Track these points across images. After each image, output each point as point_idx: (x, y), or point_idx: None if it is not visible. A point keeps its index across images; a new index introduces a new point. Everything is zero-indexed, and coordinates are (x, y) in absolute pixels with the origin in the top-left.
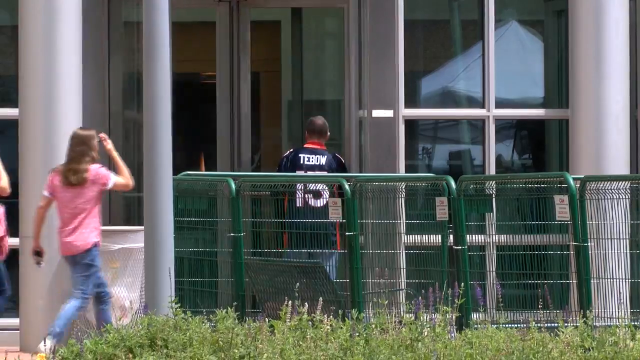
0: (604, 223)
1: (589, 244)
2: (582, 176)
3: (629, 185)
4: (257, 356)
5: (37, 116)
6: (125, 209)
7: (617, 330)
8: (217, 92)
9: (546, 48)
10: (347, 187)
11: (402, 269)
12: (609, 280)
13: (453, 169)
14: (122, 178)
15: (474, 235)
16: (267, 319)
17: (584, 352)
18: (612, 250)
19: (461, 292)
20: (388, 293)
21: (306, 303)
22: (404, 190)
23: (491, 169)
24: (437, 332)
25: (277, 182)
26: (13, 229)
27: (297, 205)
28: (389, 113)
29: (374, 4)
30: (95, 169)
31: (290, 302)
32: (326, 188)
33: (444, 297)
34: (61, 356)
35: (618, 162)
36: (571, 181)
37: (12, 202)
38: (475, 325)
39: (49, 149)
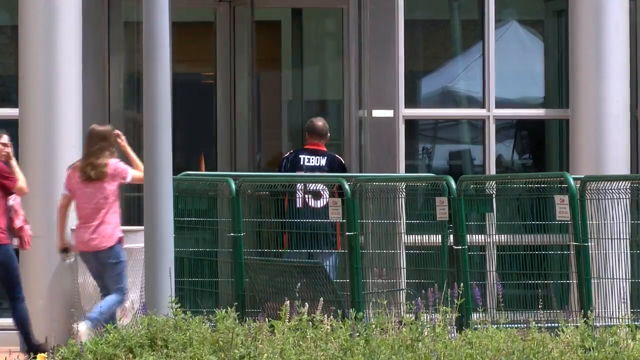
0: (604, 223)
1: (589, 243)
2: (582, 176)
3: (629, 185)
4: (257, 356)
5: (37, 116)
6: (125, 209)
7: (618, 330)
8: (217, 92)
9: (546, 48)
10: (347, 187)
11: (402, 269)
12: (609, 280)
13: (453, 169)
14: (138, 172)
15: (474, 235)
16: (267, 319)
17: (584, 352)
18: (612, 250)
19: (461, 292)
20: (387, 293)
21: (306, 303)
22: (404, 190)
23: (491, 169)
24: (437, 332)
25: (277, 182)
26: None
27: (297, 206)
28: (389, 113)
29: (374, 4)
30: (114, 164)
31: (290, 302)
32: (326, 188)
33: (444, 297)
34: (61, 356)
35: (618, 162)
36: (571, 181)
37: None
38: (476, 325)
39: (49, 149)
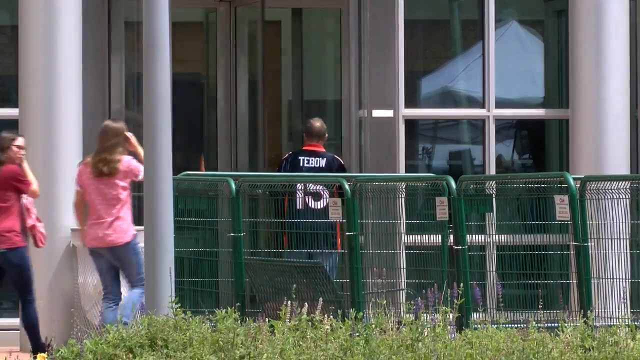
0: (604, 223)
1: (589, 243)
2: (582, 176)
3: (629, 185)
4: (257, 356)
5: (37, 116)
6: None
7: (618, 330)
8: (217, 91)
9: (546, 48)
10: (347, 187)
11: (402, 269)
12: (609, 280)
13: (453, 169)
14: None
15: (474, 235)
16: (267, 319)
17: (584, 352)
18: (612, 250)
19: (461, 292)
20: (387, 293)
21: (306, 303)
22: (404, 190)
23: (491, 169)
24: (437, 332)
25: (277, 182)
26: None
27: (298, 207)
28: (389, 113)
29: (374, 4)
30: (127, 161)
31: (289, 302)
32: (326, 189)
33: (444, 297)
34: (61, 356)
35: (618, 162)
36: (571, 181)
37: None
38: (475, 325)
39: (49, 149)
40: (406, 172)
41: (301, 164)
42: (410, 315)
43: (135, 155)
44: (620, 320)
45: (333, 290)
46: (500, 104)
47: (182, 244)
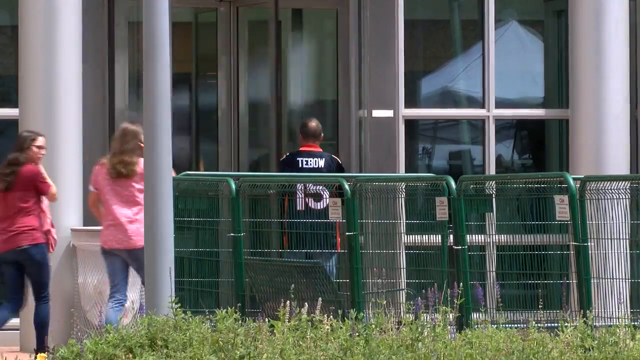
0: (604, 223)
1: (589, 244)
2: (582, 176)
3: (629, 185)
4: (257, 356)
5: (37, 116)
6: None
7: (617, 330)
8: (217, 91)
9: (546, 48)
10: (347, 187)
11: (402, 269)
12: (609, 280)
13: (453, 169)
14: None
15: (474, 235)
16: (267, 319)
17: (584, 352)
18: (612, 250)
19: (461, 292)
20: (387, 293)
21: (306, 303)
22: (404, 190)
23: (491, 169)
24: (437, 332)
25: (277, 182)
26: None
27: (298, 208)
28: (389, 113)
29: (374, 4)
30: (142, 161)
31: (288, 302)
32: (326, 190)
33: (443, 297)
34: (61, 356)
35: (618, 162)
36: (571, 181)
37: None
38: (475, 325)
39: (49, 149)
40: (406, 172)
41: (300, 165)
42: (410, 315)
43: None
44: (619, 320)
45: (333, 290)
46: (500, 104)
47: (182, 244)
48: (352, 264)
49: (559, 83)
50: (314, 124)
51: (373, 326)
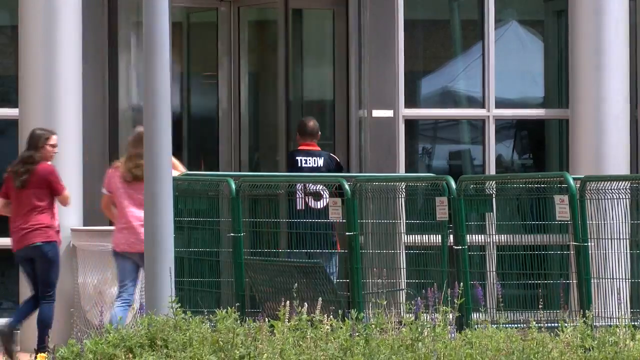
0: (604, 223)
1: (589, 244)
2: (582, 176)
3: (629, 185)
4: (257, 356)
5: (37, 116)
6: None
7: (617, 330)
8: (218, 92)
9: (546, 48)
10: (347, 187)
11: (402, 269)
12: (609, 280)
13: (453, 169)
14: (177, 171)
15: (474, 235)
16: (267, 319)
17: (584, 352)
18: (612, 250)
19: (461, 292)
20: (387, 293)
21: (306, 303)
22: (404, 190)
23: (491, 169)
24: (437, 332)
25: (277, 182)
26: None
27: (298, 207)
28: (389, 113)
29: (374, 4)
30: None
31: (288, 302)
32: (326, 189)
33: (443, 297)
34: (61, 356)
35: (618, 162)
36: (571, 181)
37: None
38: (475, 325)
39: None
40: (406, 172)
41: (299, 164)
42: (410, 315)
43: None
44: (619, 320)
45: (333, 290)
46: (500, 104)
47: (182, 244)
48: (352, 264)
49: (559, 83)
50: (311, 122)
51: (373, 326)
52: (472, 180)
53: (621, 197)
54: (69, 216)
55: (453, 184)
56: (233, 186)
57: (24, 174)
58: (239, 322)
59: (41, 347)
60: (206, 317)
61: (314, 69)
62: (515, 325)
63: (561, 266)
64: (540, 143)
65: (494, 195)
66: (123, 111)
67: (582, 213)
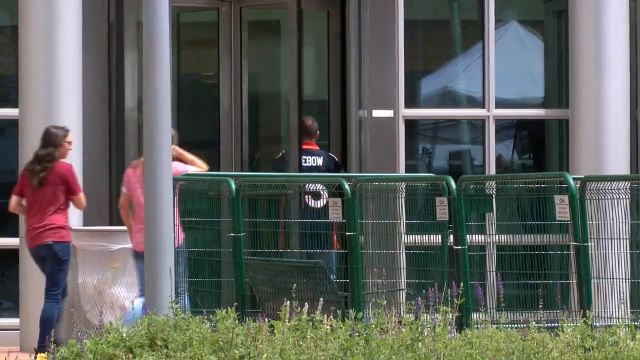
0: (604, 223)
1: (589, 244)
2: (582, 176)
3: (629, 185)
4: (257, 356)
5: (37, 116)
6: None
7: (618, 330)
8: (220, 92)
9: (546, 48)
10: (347, 187)
11: (402, 269)
12: (609, 280)
13: (453, 169)
14: (196, 167)
15: (474, 235)
16: (267, 319)
17: (584, 352)
18: (612, 250)
19: (461, 292)
20: (387, 293)
21: (306, 303)
22: (404, 190)
23: (491, 169)
24: (437, 332)
25: (277, 182)
26: (13, 228)
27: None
28: (389, 113)
29: (373, 4)
30: (175, 166)
31: (289, 302)
32: (325, 188)
33: (444, 297)
34: (61, 356)
35: (618, 162)
36: (571, 181)
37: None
38: (476, 325)
39: None
40: (406, 172)
41: (298, 163)
42: (410, 315)
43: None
44: (619, 320)
45: (333, 290)
46: (500, 104)
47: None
48: (352, 264)
49: (559, 83)
50: (310, 121)
51: (373, 326)
52: (472, 180)
53: (621, 197)
54: (69, 216)
55: (453, 184)
56: (233, 186)
57: (41, 172)
58: (238, 322)
59: (41, 346)
60: (206, 317)
61: (313, 69)
62: (515, 325)
63: (561, 266)
64: (540, 143)
65: (494, 195)
66: (129, 110)
67: (582, 213)
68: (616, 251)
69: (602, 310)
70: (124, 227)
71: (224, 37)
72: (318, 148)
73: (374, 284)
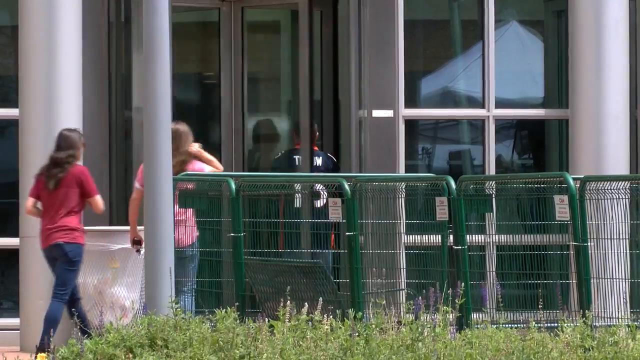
0: (604, 223)
1: (589, 244)
2: (582, 176)
3: (629, 185)
4: (257, 356)
5: (37, 116)
6: (126, 209)
7: (618, 330)
8: (221, 92)
9: (546, 48)
10: (347, 187)
11: (402, 269)
12: (609, 280)
13: (453, 169)
14: (213, 167)
15: (474, 235)
16: (267, 319)
17: (584, 352)
18: (612, 250)
19: (461, 292)
20: (387, 293)
21: (306, 303)
22: (404, 190)
23: (491, 169)
24: (437, 332)
25: (277, 182)
26: (13, 228)
27: (296, 206)
28: (389, 113)
29: (373, 4)
30: (194, 163)
31: (288, 302)
32: (324, 188)
33: (444, 297)
34: (61, 356)
35: (618, 162)
36: (571, 181)
37: (12, 202)
38: (476, 326)
39: (49, 149)
40: (406, 172)
41: (297, 163)
42: (410, 315)
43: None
44: (620, 320)
45: (333, 290)
46: (500, 104)
47: None
48: (352, 264)
49: (559, 83)
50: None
51: (373, 326)
52: (472, 180)
53: (621, 197)
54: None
55: (453, 184)
56: (233, 186)
57: (59, 174)
58: (238, 322)
59: (42, 343)
60: (206, 317)
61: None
62: (515, 325)
63: (561, 266)
64: (540, 143)
65: (493, 195)
66: (136, 110)
67: (582, 213)
68: (616, 251)
69: (602, 310)
70: (124, 227)
71: (224, 37)
72: (317, 148)
73: (373, 284)
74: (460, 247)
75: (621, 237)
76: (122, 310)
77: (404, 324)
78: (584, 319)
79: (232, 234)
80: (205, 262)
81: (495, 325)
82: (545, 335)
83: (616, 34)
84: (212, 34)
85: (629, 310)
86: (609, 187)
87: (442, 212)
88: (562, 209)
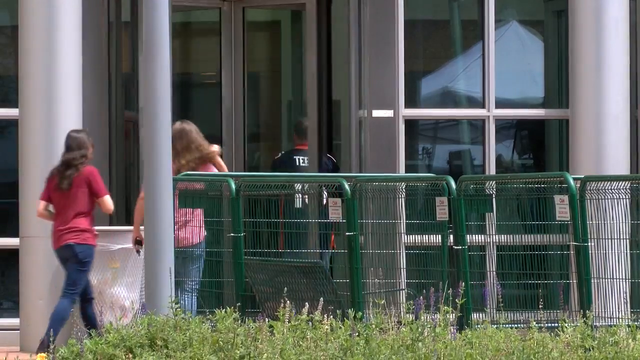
0: (604, 223)
1: (589, 243)
2: (582, 176)
3: (629, 185)
4: (257, 356)
5: (37, 116)
6: (126, 209)
7: (618, 330)
8: (222, 92)
9: (546, 48)
10: (347, 187)
11: (402, 269)
12: (609, 280)
13: (453, 169)
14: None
15: (474, 235)
16: (267, 319)
17: (584, 352)
18: (612, 250)
19: (462, 292)
20: (387, 293)
21: (306, 303)
22: (404, 190)
23: (491, 169)
24: (438, 332)
25: (277, 182)
26: (13, 228)
27: (296, 206)
28: (389, 113)
29: (373, 3)
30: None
31: (287, 302)
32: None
33: (444, 297)
34: (61, 356)
35: (618, 162)
36: (571, 181)
37: (12, 202)
38: (476, 326)
39: (49, 149)
40: (406, 172)
41: (297, 163)
42: (411, 315)
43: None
44: (620, 320)
45: (333, 290)
46: (500, 104)
47: None
48: (352, 264)
49: (559, 83)
50: (306, 123)
51: (373, 326)
52: (472, 180)
53: (621, 197)
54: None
55: (453, 184)
56: (233, 186)
57: (71, 175)
58: (239, 322)
59: (44, 345)
60: (206, 317)
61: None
62: (515, 325)
63: (561, 266)
64: (540, 143)
65: (494, 195)
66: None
67: (582, 213)
68: (616, 251)
69: (602, 310)
70: (124, 228)
71: (225, 37)
72: None
73: (374, 284)
74: (460, 247)
75: (621, 237)
76: (122, 310)
77: (404, 324)
78: (585, 319)
79: (232, 234)
80: (206, 262)
81: (496, 325)
82: (545, 336)
83: (616, 33)
84: (213, 34)
85: (629, 310)
86: (609, 187)
87: (442, 212)
88: (562, 209)
